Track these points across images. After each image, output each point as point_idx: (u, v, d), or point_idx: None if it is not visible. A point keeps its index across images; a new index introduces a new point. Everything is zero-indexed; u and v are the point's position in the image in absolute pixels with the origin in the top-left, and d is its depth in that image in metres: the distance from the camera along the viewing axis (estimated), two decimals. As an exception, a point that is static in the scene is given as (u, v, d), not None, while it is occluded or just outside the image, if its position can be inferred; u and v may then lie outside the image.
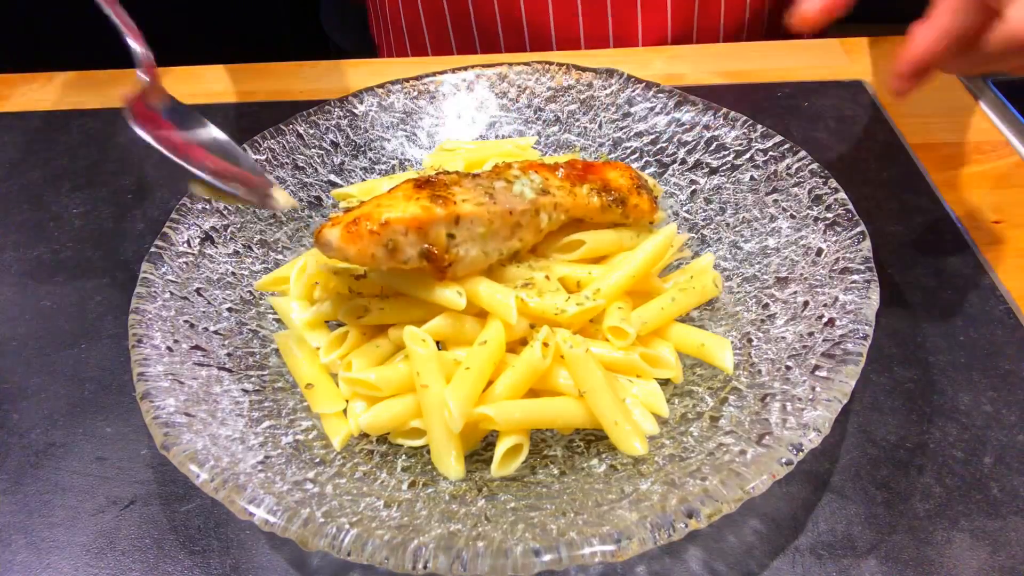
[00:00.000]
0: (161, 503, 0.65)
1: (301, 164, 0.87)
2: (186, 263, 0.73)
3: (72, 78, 1.20)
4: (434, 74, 0.94)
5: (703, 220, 0.82)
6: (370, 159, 0.90)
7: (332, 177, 0.88)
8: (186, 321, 0.68)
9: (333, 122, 0.90)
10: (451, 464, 0.62)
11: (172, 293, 0.70)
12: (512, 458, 0.62)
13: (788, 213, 0.75)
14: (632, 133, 0.89)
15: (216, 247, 0.76)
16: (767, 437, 0.56)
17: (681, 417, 0.64)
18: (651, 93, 0.89)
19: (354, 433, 0.65)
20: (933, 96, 1.05)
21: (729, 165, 0.82)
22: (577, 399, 0.64)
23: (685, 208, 0.83)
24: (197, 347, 0.67)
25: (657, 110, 0.88)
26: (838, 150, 0.97)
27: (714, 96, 0.89)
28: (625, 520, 0.52)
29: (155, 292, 0.69)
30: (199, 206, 0.77)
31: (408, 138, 0.92)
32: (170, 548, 0.62)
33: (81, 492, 0.67)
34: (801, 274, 0.70)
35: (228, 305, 0.73)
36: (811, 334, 0.64)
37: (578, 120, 0.92)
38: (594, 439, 0.65)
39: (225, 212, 0.78)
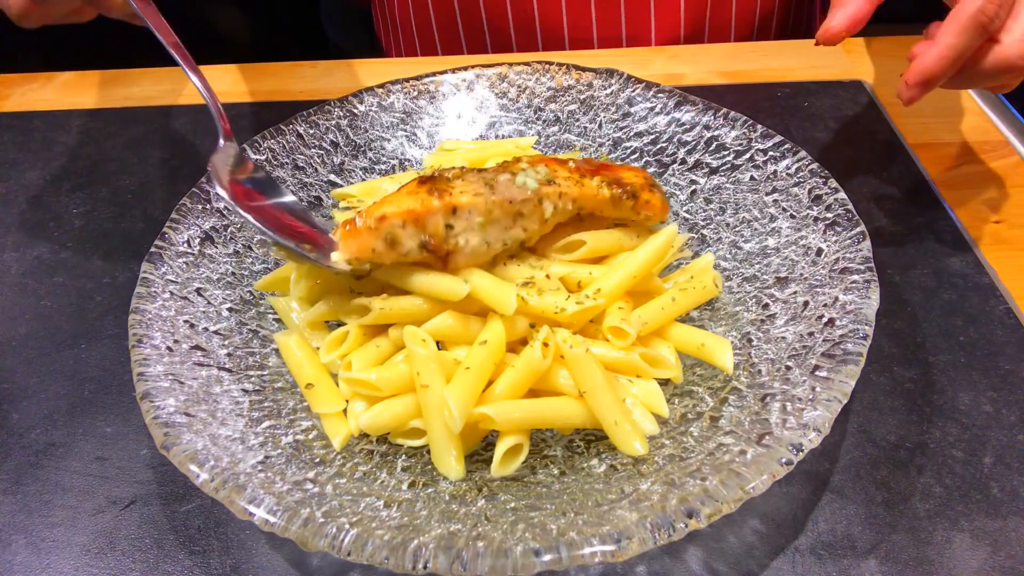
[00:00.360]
0: (161, 503, 0.65)
1: (301, 164, 0.87)
2: (186, 263, 0.73)
3: (72, 78, 1.20)
4: (434, 74, 0.94)
5: (703, 220, 0.82)
6: (370, 159, 0.90)
7: (332, 177, 0.88)
8: (186, 321, 0.68)
9: (333, 122, 0.90)
10: (451, 464, 0.62)
11: (172, 293, 0.70)
12: (512, 458, 0.62)
13: (788, 213, 0.75)
14: (632, 133, 0.89)
15: (216, 247, 0.76)
16: (767, 437, 0.56)
17: (681, 417, 0.64)
18: (651, 93, 0.89)
19: (354, 433, 0.65)
20: (933, 96, 1.04)
21: (729, 165, 0.82)
22: (577, 399, 0.64)
23: (685, 208, 0.83)
24: (197, 347, 0.67)
25: (657, 110, 0.88)
26: (838, 150, 0.97)
27: (714, 96, 0.89)
28: (625, 520, 0.52)
29: (155, 292, 0.69)
30: (199, 206, 0.77)
31: (408, 138, 0.92)
32: (170, 548, 0.62)
33: (81, 492, 0.67)
34: (801, 274, 0.70)
35: (228, 305, 0.73)
36: (811, 334, 0.64)
37: (578, 120, 0.92)
38: (594, 439, 0.65)
39: (225, 212, 0.78)
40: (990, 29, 0.66)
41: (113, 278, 0.87)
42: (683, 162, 0.85)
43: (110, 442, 0.70)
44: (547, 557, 0.49)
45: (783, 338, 0.66)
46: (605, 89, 0.92)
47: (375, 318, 0.67)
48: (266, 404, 0.66)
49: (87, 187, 0.99)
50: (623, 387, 0.66)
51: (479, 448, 0.65)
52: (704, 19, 1.21)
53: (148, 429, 0.58)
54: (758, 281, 0.73)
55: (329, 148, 0.89)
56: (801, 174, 0.76)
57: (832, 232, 0.70)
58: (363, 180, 0.89)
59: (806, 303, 0.67)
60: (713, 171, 0.83)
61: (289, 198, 0.75)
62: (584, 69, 0.93)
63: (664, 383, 0.68)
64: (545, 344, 0.63)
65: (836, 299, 0.65)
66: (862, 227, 0.69)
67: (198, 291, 0.72)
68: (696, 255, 0.80)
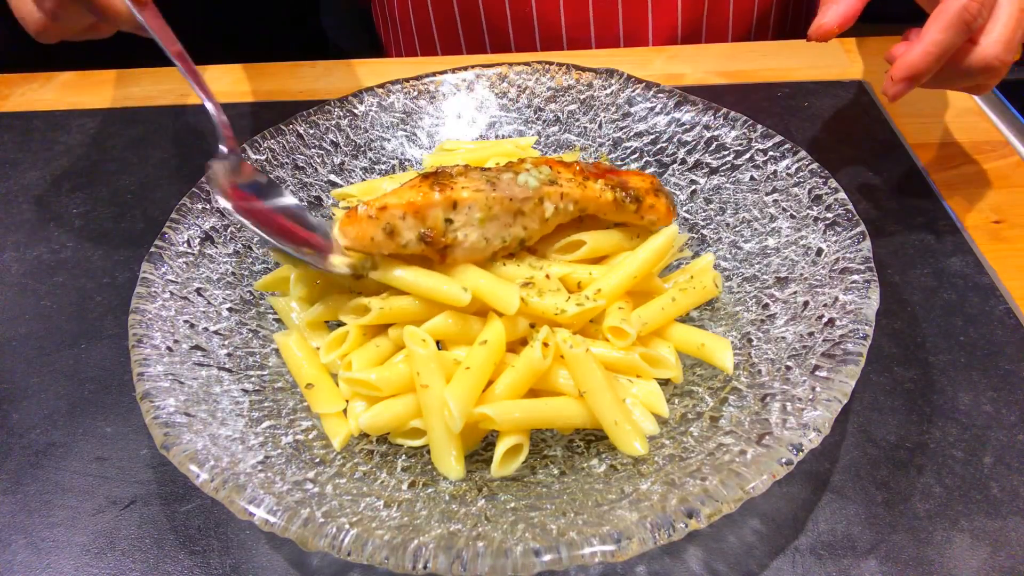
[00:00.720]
0: (161, 503, 0.65)
1: (301, 164, 0.87)
2: (186, 263, 0.73)
3: (72, 78, 1.20)
4: (434, 74, 0.94)
5: (703, 220, 0.82)
6: (370, 159, 0.90)
7: (332, 177, 0.88)
8: (186, 321, 0.68)
9: (333, 122, 0.90)
10: (451, 464, 0.62)
11: (172, 293, 0.70)
12: (512, 458, 0.62)
13: (788, 213, 0.75)
14: (632, 133, 0.89)
15: (216, 247, 0.76)
16: (767, 437, 0.56)
17: (681, 417, 0.64)
18: (651, 93, 0.89)
19: (354, 433, 0.65)
20: (933, 96, 1.05)
21: (729, 165, 0.82)
22: (577, 399, 0.64)
23: (685, 208, 0.83)
24: (197, 347, 0.67)
25: (657, 110, 0.88)
26: (838, 150, 0.97)
27: (714, 96, 0.89)
28: (625, 520, 0.52)
29: (155, 292, 0.69)
30: (199, 206, 0.77)
31: (408, 138, 0.92)
32: (170, 548, 0.62)
33: (81, 492, 0.67)
34: (801, 274, 0.70)
35: (228, 305, 0.73)
36: (811, 334, 0.64)
37: (578, 120, 0.92)
38: (594, 439, 0.65)
39: (225, 213, 0.78)
40: (973, 27, 0.68)
41: (113, 278, 0.87)
42: (683, 162, 0.85)
43: (110, 442, 0.70)
44: (547, 557, 0.49)
45: (783, 338, 0.66)
46: (605, 89, 0.92)
47: (375, 318, 0.67)
48: (266, 404, 0.66)
49: (87, 187, 0.99)
50: (623, 387, 0.66)
51: (479, 448, 0.65)
52: (701, 19, 1.21)
53: (148, 429, 0.58)
54: (758, 281, 0.73)
55: (329, 148, 0.89)
56: (801, 174, 0.76)
57: (832, 232, 0.70)
58: (363, 180, 0.89)
59: (806, 303, 0.67)
60: (713, 171, 0.83)
61: (289, 200, 0.75)
62: (584, 69, 0.93)
63: (664, 383, 0.68)
64: (545, 344, 0.63)
65: (836, 299, 0.65)
66: (862, 227, 0.69)
67: (198, 291, 0.72)
68: (696, 255, 0.80)
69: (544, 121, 0.93)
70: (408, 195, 0.66)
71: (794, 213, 0.75)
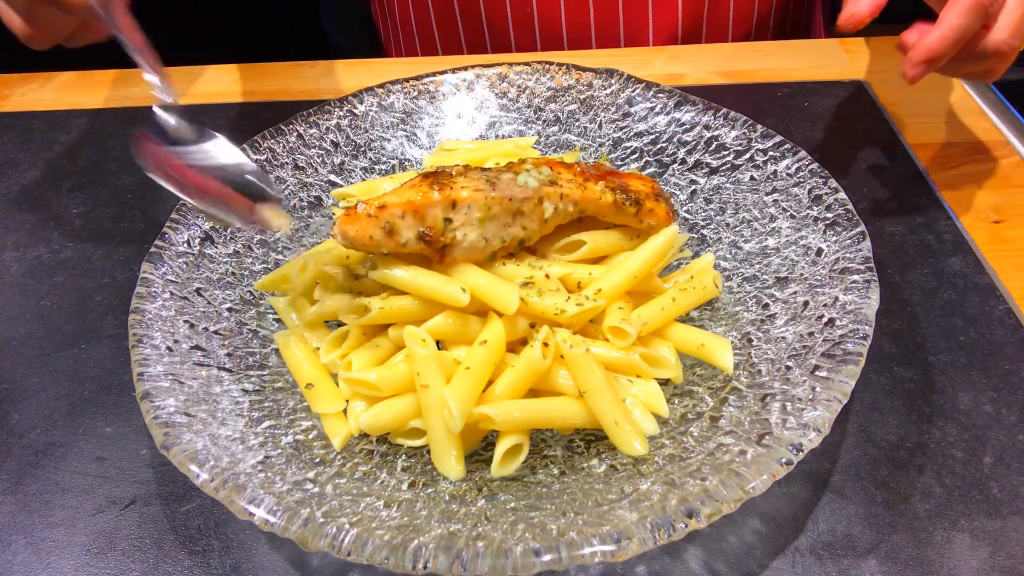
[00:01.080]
0: (161, 503, 0.65)
1: (301, 164, 0.87)
2: (186, 263, 0.73)
3: (72, 78, 1.20)
4: (434, 74, 0.94)
5: (703, 220, 0.82)
6: (370, 159, 0.90)
7: (332, 177, 0.88)
8: (186, 321, 0.68)
9: (333, 122, 0.90)
10: (451, 464, 0.62)
11: (172, 293, 0.70)
12: (512, 458, 0.62)
13: (788, 213, 0.75)
14: (632, 133, 0.89)
15: (216, 247, 0.76)
16: (767, 437, 0.56)
17: (681, 417, 0.64)
18: (651, 93, 0.89)
19: (354, 433, 0.65)
20: (933, 96, 1.05)
21: (729, 165, 0.82)
22: (577, 399, 0.64)
23: (685, 208, 0.83)
24: (197, 347, 0.67)
25: (657, 110, 0.88)
26: (838, 150, 0.97)
27: (714, 96, 0.89)
28: (625, 520, 0.52)
29: (155, 292, 0.69)
30: (199, 206, 0.77)
31: (408, 138, 0.92)
32: (170, 548, 0.62)
33: (81, 492, 0.67)
34: (801, 274, 0.70)
35: (228, 305, 0.73)
36: (811, 334, 0.64)
37: (578, 120, 0.92)
38: (594, 439, 0.65)
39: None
40: (990, 12, 0.69)
41: (113, 278, 0.87)
42: (683, 162, 0.85)
43: (110, 442, 0.70)
44: (547, 557, 0.49)
45: (783, 338, 0.66)
46: (605, 89, 0.92)
47: (375, 318, 0.67)
48: (266, 404, 0.66)
49: (87, 187, 0.99)
50: (623, 387, 0.66)
51: (479, 448, 0.65)
52: (702, 19, 1.21)
53: (148, 429, 0.58)
54: (758, 281, 0.73)
55: (329, 148, 0.89)
56: (801, 174, 0.76)
57: (832, 232, 0.70)
58: (363, 180, 0.89)
59: (806, 303, 0.67)
60: (713, 171, 0.83)
61: (228, 159, 0.69)
62: (584, 69, 0.93)
63: (664, 383, 0.68)
64: (545, 344, 0.63)
65: (836, 299, 0.65)
66: (862, 227, 0.69)
67: (198, 291, 0.72)
68: (696, 255, 0.80)
69: (544, 121, 0.93)
70: (408, 194, 0.66)
71: (794, 213, 0.75)
